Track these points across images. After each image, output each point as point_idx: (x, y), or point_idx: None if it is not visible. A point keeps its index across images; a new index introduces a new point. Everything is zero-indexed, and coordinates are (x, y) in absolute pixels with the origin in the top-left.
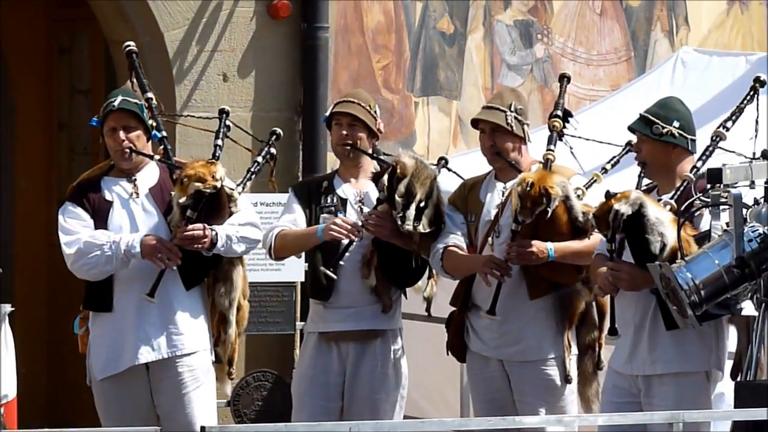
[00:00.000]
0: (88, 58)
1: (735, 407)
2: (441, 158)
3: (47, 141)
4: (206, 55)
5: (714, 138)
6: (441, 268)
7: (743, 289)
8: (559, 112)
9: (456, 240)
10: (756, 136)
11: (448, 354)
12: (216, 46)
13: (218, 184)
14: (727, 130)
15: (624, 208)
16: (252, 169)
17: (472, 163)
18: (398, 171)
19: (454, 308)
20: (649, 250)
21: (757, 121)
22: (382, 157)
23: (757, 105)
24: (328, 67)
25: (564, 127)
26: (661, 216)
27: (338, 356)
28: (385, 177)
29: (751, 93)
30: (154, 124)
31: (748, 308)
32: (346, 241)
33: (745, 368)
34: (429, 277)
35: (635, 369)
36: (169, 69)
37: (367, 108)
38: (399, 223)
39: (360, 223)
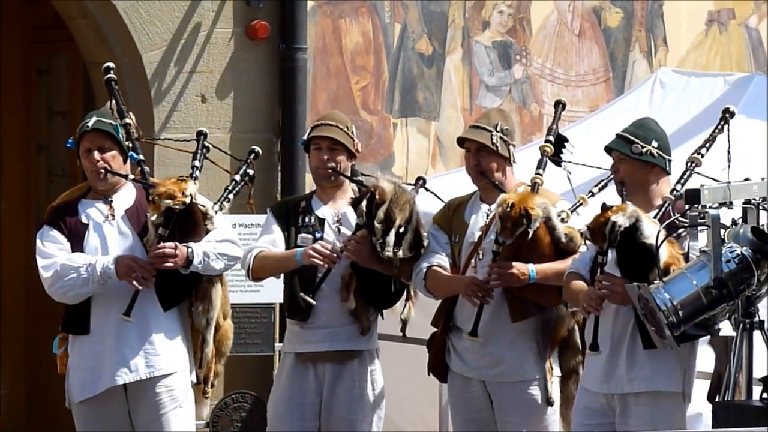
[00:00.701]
0: (67, 80)
1: (713, 427)
2: (419, 178)
3: (26, 163)
4: (184, 77)
5: (689, 163)
6: (424, 288)
7: (721, 309)
8: (551, 138)
9: (439, 260)
10: (729, 166)
11: (429, 374)
12: (194, 68)
13: (187, 200)
14: (702, 156)
15: (621, 220)
16: (229, 188)
17: (451, 184)
18: (377, 197)
19: (432, 329)
20: (638, 265)
21: (729, 152)
22: (360, 178)
23: (728, 135)
24: (306, 89)
25: (560, 152)
26: (653, 231)
27: (315, 377)
28: (364, 203)
29: (722, 123)
30: (131, 145)
31: (725, 329)
32: (324, 267)
33: (723, 388)
34: (407, 299)
35: (612, 387)
36: (147, 90)
37: (345, 129)
38: (379, 249)
39: (339, 247)
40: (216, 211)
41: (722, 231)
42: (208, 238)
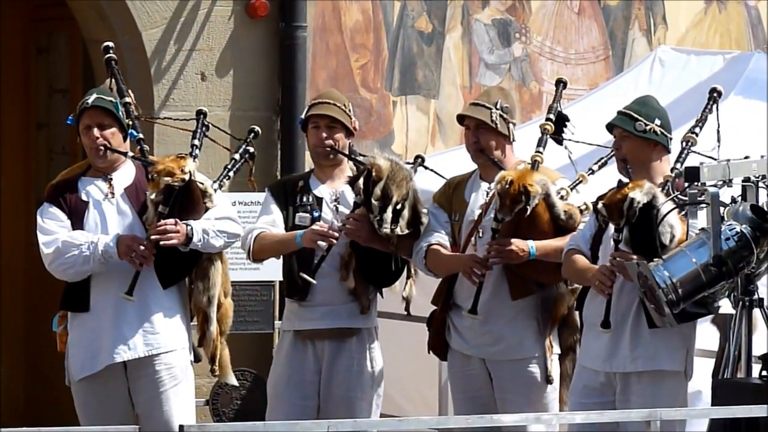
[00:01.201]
0: (66, 58)
1: (712, 405)
2: (417, 156)
3: (25, 141)
4: (184, 55)
5: (686, 142)
6: (424, 266)
7: (720, 287)
8: (552, 116)
9: (440, 238)
10: (719, 145)
11: (429, 353)
12: (194, 46)
13: (186, 177)
14: (697, 135)
15: (639, 197)
16: (229, 167)
17: (450, 162)
18: (374, 174)
19: (432, 307)
20: (653, 241)
21: (718, 131)
22: (358, 157)
23: (717, 115)
24: (306, 67)
25: (562, 131)
26: (669, 208)
27: (314, 354)
28: (361, 181)
29: (710, 104)
30: (131, 123)
31: (725, 306)
32: (324, 246)
33: (723, 366)
34: (408, 277)
35: (615, 366)
36: (147, 68)
37: (343, 108)
38: (376, 226)
39: (337, 226)
40: (215, 189)
41: (721, 209)
42: (207, 216)
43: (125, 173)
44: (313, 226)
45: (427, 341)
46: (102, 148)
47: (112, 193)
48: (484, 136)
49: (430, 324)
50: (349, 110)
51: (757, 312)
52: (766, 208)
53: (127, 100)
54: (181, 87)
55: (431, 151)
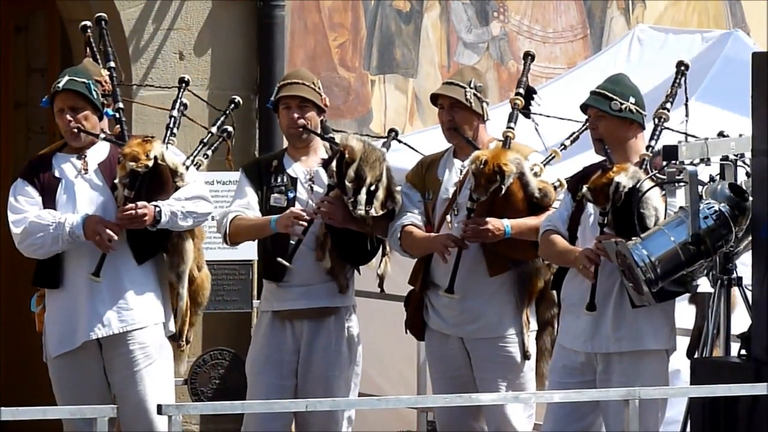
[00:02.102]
0: (44, 37)
1: (691, 384)
2: (391, 130)
3: (3, 120)
4: (162, 34)
5: (659, 119)
6: (399, 247)
7: (699, 266)
8: (521, 90)
9: (413, 218)
10: (687, 119)
11: (406, 332)
12: (172, 25)
13: (150, 163)
14: (668, 111)
15: (625, 181)
16: (205, 140)
17: (429, 140)
18: (346, 155)
19: (410, 286)
20: (637, 224)
21: (686, 105)
22: (332, 134)
23: (685, 89)
24: (284, 46)
25: (529, 104)
26: (654, 191)
27: (292, 334)
28: (334, 163)
29: (678, 78)
30: (106, 102)
31: (704, 285)
32: (299, 231)
33: (701, 345)
34: (383, 255)
35: (597, 346)
36: (125, 47)
37: (312, 86)
38: (351, 208)
39: (312, 206)
40: (187, 167)
41: (700, 187)
42: (178, 195)
43: (99, 149)
44: (287, 213)
45: (405, 321)
46: (75, 130)
47: (86, 170)
48: (458, 115)
49: (407, 304)
50: (319, 88)
51: (735, 290)
52: (744, 187)
53: (111, 64)
54: (159, 66)
55: (409, 130)
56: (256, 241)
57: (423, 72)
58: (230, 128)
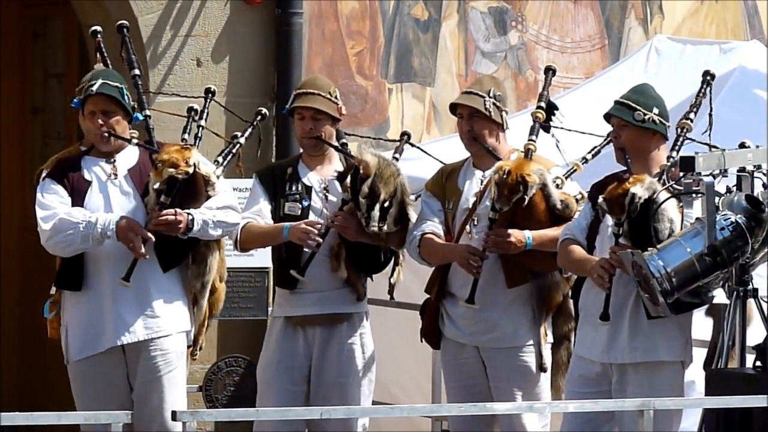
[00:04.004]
0: (62, 43)
1: (706, 395)
2: (404, 133)
3: (21, 125)
4: (180, 40)
5: (681, 129)
6: (418, 255)
7: (715, 277)
8: (543, 104)
9: (433, 227)
10: (711, 128)
11: (422, 341)
12: (190, 31)
13: (191, 170)
14: (691, 121)
15: (641, 192)
16: (233, 151)
17: (445, 149)
18: (361, 171)
19: (425, 295)
20: (653, 235)
21: (710, 115)
22: (344, 139)
23: (710, 99)
24: (302, 53)
25: (550, 119)
26: (671, 202)
27: (304, 340)
28: (349, 178)
29: (704, 87)
30: (136, 105)
31: (719, 296)
32: (313, 245)
33: (716, 356)
34: (395, 264)
35: (613, 357)
36: (142, 53)
37: (328, 96)
38: (364, 224)
39: (325, 225)
40: (218, 176)
41: (716, 199)
42: (209, 204)
43: (129, 155)
44: (301, 225)
45: (420, 329)
46: (106, 134)
47: (115, 175)
48: (477, 125)
49: (423, 312)
50: (335, 97)
51: (751, 302)
52: (761, 198)
53: (136, 71)
54: (176, 72)
55: (426, 139)
56: (271, 248)
57: (440, 81)
58: (242, 138)
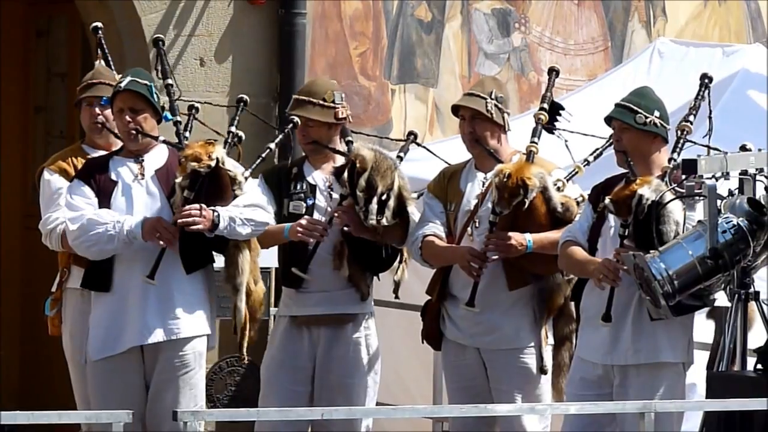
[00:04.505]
0: (65, 42)
1: (706, 398)
2: (410, 133)
3: (23, 124)
4: (183, 40)
5: (681, 131)
6: (420, 257)
7: (717, 280)
8: (546, 105)
9: (435, 229)
10: (710, 132)
11: (423, 342)
12: (193, 31)
13: (213, 164)
14: (691, 123)
15: (648, 193)
16: (263, 156)
17: (448, 150)
18: (358, 165)
19: (427, 296)
20: (655, 238)
21: (710, 118)
22: (350, 137)
23: (709, 101)
24: (305, 54)
25: (555, 120)
26: (677, 204)
27: (309, 341)
28: (346, 172)
29: (702, 90)
30: (167, 107)
31: (721, 299)
32: (313, 242)
33: (717, 359)
34: (400, 261)
35: (616, 359)
36: (146, 53)
37: (321, 102)
38: (362, 218)
39: (325, 221)
40: (246, 177)
41: (718, 201)
42: (236, 203)
43: (157, 155)
44: (300, 221)
45: (422, 331)
46: (134, 132)
47: (143, 175)
48: (479, 126)
49: (424, 314)
50: (333, 101)
51: (753, 305)
52: (763, 201)
53: (170, 81)
54: (179, 72)
55: (429, 140)
56: (277, 249)
57: (443, 82)
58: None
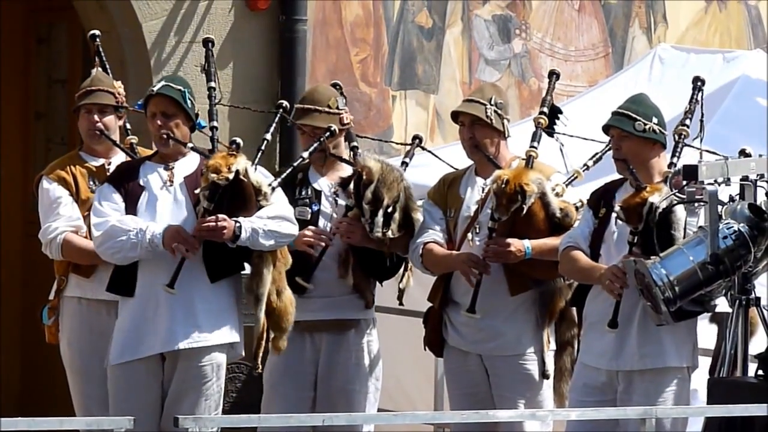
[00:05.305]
0: (66, 48)
1: (708, 403)
2: (415, 137)
3: (24, 130)
4: (184, 47)
5: (678, 135)
6: (420, 264)
7: (717, 285)
8: (545, 109)
9: (435, 236)
10: (702, 135)
11: (425, 349)
12: (194, 38)
13: (231, 176)
14: (687, 128)
15: (659, 201)
16: (294, 164)
17: (449, 156)
18: (364, 177)
19: (429, 303)
20: (665, 244)
21: (702, 121)
22: (355, 142)
23: (701, 105)
24: (306, 60)
25: (554, 123)
26: (683, 209)
27: (312, 346)
28: (352, 184)
29: (696, 93)
30: (198, 112)
31: (722, 305)
32: (317, 252)
33: (719, 365)
34: (405, 269)
35: (621, 364)
36: (147, 60)
37: (326, 110)
38: (368, 230)
39: (334, 220)
40: (273, 188)
41: (719, 207)
42: (260, 214)
43: (188, 162)
44: (305, 231)
45: (424, 338)
46: (164, 136)
47: (171, 182)
48: (479, 132)
49: (426, 320)
50: (336, 108)
51: (753, 311)
52: (764, 207)
53: (212, 84)
54: None
55: (430, 146)
56: None
57: (444, 88)
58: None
